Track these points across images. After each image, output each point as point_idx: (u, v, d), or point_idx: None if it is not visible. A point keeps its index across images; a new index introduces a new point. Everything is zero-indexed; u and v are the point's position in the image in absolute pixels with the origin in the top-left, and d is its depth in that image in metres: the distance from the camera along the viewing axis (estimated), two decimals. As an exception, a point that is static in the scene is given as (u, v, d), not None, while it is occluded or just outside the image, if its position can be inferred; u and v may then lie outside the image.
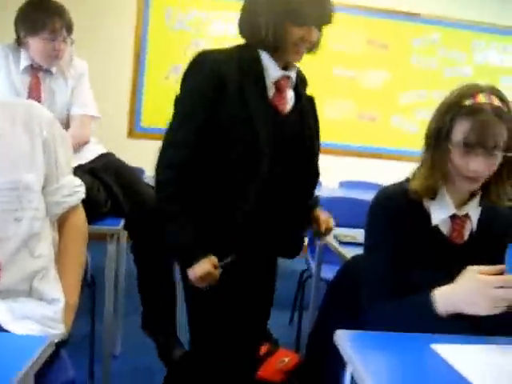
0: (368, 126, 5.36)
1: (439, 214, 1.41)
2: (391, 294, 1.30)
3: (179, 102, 1.53)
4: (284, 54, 1.54)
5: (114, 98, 4.88)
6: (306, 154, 1.63)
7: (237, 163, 1.48)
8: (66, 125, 2.32)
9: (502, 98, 1.33)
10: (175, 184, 1.48)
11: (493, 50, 5.50)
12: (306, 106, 1.65)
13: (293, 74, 1.60)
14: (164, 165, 1.50)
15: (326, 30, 1.59)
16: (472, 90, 1.33)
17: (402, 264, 1.36)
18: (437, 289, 1.24)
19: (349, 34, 5.11)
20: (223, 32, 5.01)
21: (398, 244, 1.36)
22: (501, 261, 1.46)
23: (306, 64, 1.63)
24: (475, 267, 1.21)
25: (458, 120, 1.32)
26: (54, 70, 2.30)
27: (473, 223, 1.44)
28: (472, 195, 1.43)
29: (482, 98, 1.30)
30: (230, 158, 1.48)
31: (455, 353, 1.09)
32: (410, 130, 5.37)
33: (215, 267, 1.48)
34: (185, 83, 1.53)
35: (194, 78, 1.51)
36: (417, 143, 1.47)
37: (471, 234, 1.44)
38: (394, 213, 1.39)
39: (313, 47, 1.59)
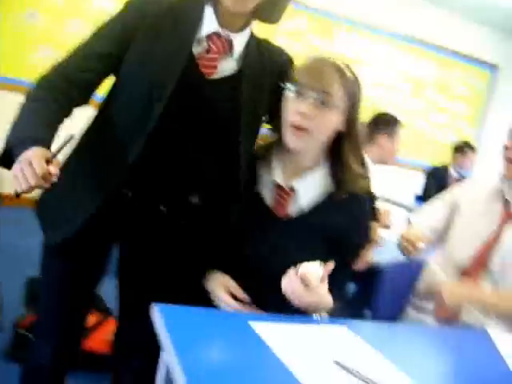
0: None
1: (264, 180, 1.38)
2: None
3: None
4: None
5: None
6: (224, 138, 1.34)
7: (127, 102, 1.31)
8: None
9: (352, 71, 1.33)
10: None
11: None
12: (257, 82, 1.36)
13: (237, 37, 1.32)
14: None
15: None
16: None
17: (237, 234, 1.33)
18: None
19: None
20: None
21: None
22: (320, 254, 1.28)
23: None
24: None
25: (298, 67, 1.33)
26: None
27: (300, 200, 1.35)
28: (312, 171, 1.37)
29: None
30: (123, 93, 1.32)
31: (269, 330, 1.08)
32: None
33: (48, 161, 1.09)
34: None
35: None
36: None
37: (302, 212, 1.36)
38: None
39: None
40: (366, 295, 2.99)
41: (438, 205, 2.04)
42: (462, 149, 5.22)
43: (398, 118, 2.90)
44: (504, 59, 6.47)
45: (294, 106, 1.29)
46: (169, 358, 0.91)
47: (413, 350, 1.25)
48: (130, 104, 1.30)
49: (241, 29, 1.33)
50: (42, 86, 1.28)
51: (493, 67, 6.51)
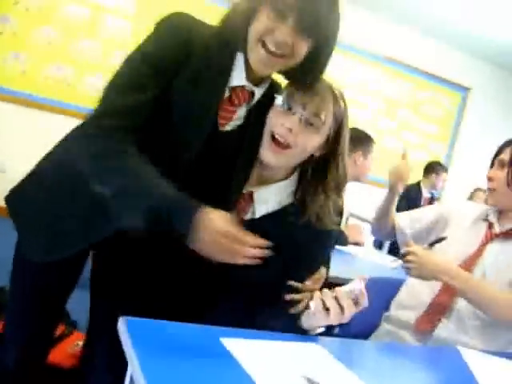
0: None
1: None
2: None
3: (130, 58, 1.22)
4: (248, 53, 1.20)
5: None
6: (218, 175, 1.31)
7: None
8: None
9: (344, 100, 1.33)
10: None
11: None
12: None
13: (259, 90, 1.28)
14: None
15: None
16: None
17: None
18: None
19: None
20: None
21: None
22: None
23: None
24: None
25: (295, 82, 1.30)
26: None
27: (255, 208, 1.33)
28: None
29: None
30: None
31: (241, 347, 1.05)
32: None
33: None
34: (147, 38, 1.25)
35: (160, 32, 1.23)
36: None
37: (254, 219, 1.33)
38: None
39: (293, 58, 1.18)
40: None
41: (426, 210, 2.17)
42: (434, 168, 5.29)
43: (371, 136, 2.92)
44: (475, 82, 6.61)
45: (281, 119, 1.26)
46: (134, 373, 0.88)
47: (383, 368, 1.24)
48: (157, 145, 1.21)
49: (263, 81, 1.30)
50: (115, 137, 1.14)
51: (464, 89, 6.63)
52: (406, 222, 2.09)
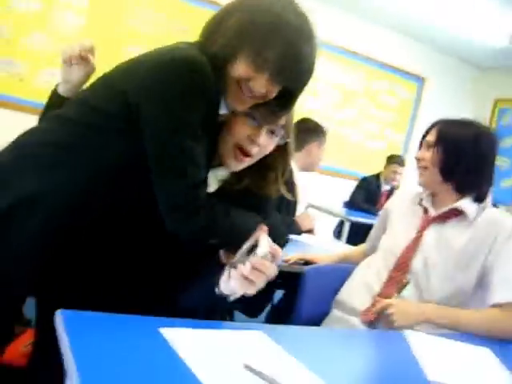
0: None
1: None
2: None
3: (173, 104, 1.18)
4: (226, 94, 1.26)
5: None
6: None
7: None
8: None
9: None
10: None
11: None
12: None
13: None
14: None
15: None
16: None
17: None
18: None
19: (148, 13, 4.96)
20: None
21: None
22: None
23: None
24: None
25: None
26: None
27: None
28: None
29: None
30: None
31: (180, 337, 1.05)
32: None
33: None
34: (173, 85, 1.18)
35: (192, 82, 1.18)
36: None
37: None
38: None
39: (266, 98, 1.25)
40: (293, 302, 3.01)
41: (376, 222, 2.16)
42: (393, 161, 5.36)
43: (323, 126, 2.96)
44: (430, 72, 6.72)
45: (248, 132, 1.30)
46: (68, 367, 0.87)
47: (328, 354, 1.25)
48: None
49: None
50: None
51: (420, 79, 6.74)
52: (370, 246, 2.14)
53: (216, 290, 1.22)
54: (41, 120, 1.45)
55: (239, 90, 1.23)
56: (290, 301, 3.06)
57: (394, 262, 1.80)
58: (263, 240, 1.14)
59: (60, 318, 0.99)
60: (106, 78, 1.31)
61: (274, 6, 1.21)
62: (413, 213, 1.90)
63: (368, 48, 6.23)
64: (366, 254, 2.06)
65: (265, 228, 1.18)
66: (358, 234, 4.68)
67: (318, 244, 2.79)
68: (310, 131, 2.89)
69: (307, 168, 2.90)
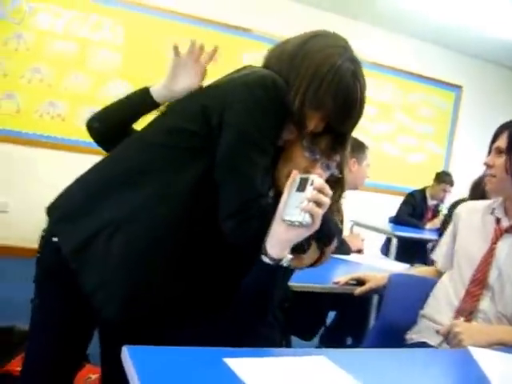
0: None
1: None
2: None
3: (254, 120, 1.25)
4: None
5: None
6: None
7: None
8: None
9: None
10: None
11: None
12: None
13: None
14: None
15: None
16: None
17: None
18: None
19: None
20: (49, 26, 4.68)
21: None
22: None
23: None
24: None
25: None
26: None
27: None
28: None
29: None
30: None
31: (245, 366, 1.05)
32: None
33: None
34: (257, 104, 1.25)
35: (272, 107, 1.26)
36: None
37: None
38: None
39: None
40: (346, 323, 2.98)
41: (446, 234, 2.07)
42: (445, 181, 5.27)
43: (364, 143, 2.93)
44: (467, 80, 6.64)
45: (304, 163, 1.36)
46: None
47: (393, 375, 1.23)
48: None
49: None
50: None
51: (457, 88, 6.66)
52: (443, 263, 2.03)
53: (264, 258, 1.21)
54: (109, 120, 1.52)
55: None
56: (343, 322, 3.04)
57: (470, 277, 1.76)
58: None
59: (127, 353, 1.00)
60: (182, 104, 1.38)
61: (333, 56, 1.30)
62: (484, 224, 1.84)
63: (401, 61, 6.20)
64: (440, 273, 2.00)
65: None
66: (406, 250, 4.60)
67: (368, 262, 2.75)
68: (352, 148, 2.88)
69: (351, 186, 2.88)
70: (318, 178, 1.14)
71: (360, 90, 1.33)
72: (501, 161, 1.73)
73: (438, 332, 1.68)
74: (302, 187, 1.15)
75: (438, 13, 5.29)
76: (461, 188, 6.34)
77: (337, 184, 1.43)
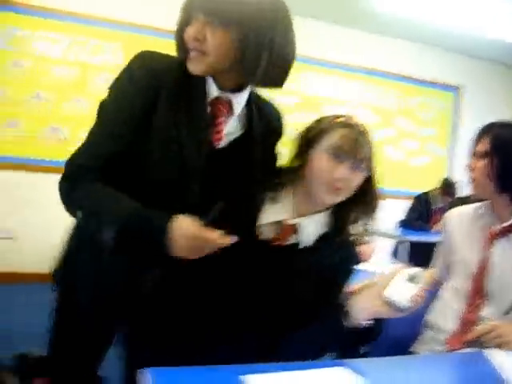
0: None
1: (265, 216, 1.41)
2: None
3: (104, 107, 1.33)
4: None
5: None
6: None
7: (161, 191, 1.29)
8: None
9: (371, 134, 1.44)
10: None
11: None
12: (263, 142, 1.43)
13: (236, 98, 1.34)
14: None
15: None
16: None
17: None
18: None
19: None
20: (48, 52, 4.72)
21: None
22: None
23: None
24: None
25: (331, 130, 1.38)
26: None
27: (301, 237, 1.41)
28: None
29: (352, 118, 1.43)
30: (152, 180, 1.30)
31: (263, 382, 1.05)
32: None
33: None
34: (117, 83, 1.32)
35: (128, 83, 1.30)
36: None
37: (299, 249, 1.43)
38: None
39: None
40: (360, 331, 2.94)
41: (440, 244, 2.03)
42: (447, 193, 5.26)
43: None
44: (464, 79, 6.65)
45: (331, 167, 1.35)
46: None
47: (412, 381, 1.22)
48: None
49: (238, 89, 1.35)
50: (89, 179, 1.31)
51: (454, 88, 6.67)
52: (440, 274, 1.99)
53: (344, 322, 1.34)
54: None
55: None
56: (355, 330, 3.01)
57: (470, 286, 1.73)
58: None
59: (148, 375, 1.01)
60: None
61: None
62: (475, 230, 1.79)
63: (395, 65, 6.21)
64: (438, 282, 1.94)
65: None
66: (418, 254, 4.60)
67: (380, 269, 2.73)
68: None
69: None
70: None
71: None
72: (480, 164, 1.71)
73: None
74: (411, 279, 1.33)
75: (435, 15, 5.29)
76: (465, 189, 6.38)
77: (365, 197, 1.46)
